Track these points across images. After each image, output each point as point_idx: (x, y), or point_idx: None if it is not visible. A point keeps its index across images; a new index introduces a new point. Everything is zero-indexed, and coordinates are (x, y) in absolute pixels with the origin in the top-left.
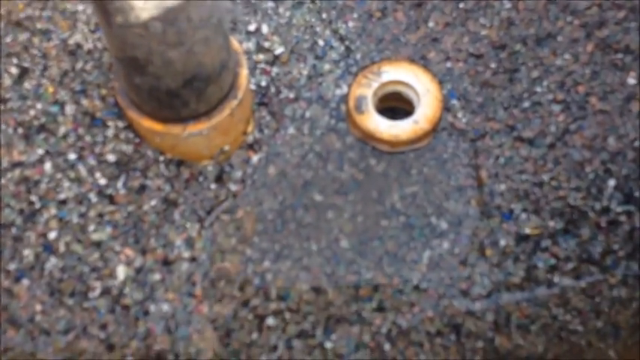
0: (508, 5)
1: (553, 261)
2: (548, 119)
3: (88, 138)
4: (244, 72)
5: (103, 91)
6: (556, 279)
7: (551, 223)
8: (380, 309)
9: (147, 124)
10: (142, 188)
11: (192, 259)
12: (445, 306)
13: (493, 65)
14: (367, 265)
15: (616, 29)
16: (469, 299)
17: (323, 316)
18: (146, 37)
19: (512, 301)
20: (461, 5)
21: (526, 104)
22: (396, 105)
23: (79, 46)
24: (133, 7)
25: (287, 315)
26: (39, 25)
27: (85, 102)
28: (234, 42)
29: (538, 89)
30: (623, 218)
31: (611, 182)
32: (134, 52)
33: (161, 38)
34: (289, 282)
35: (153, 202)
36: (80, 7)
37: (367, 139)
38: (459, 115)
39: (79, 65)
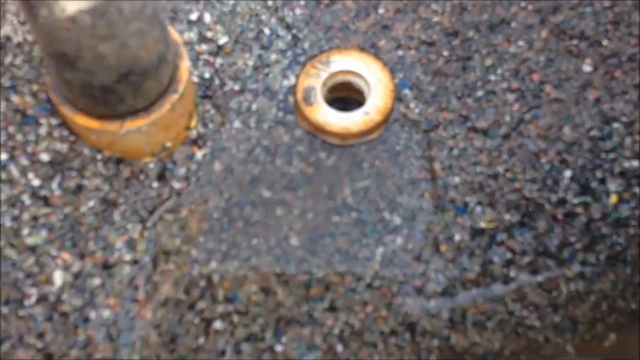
0: None
1: (509, 255)
2: (502, 109)
3: (19, 137)
4: (185, 64)
5: (35, 87)
6: (512, 273)
7: (507, 217)
8: (332, 309)
9: (81, 121)
10: (79, 188)
11: (134, 262)
12: (399, 304)
13: (446, 53)
14: (318, 264)
15: (571, 14)
16: (423, 297)
17: (273, 318)
18: (74, 31)
19: (467, 297)
20: None
21: (480, 93)
22: (346, 95)
23: (7, 38)
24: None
25: (235, 318)
26: None
27: (15, 98)
28: (174, 33)
29: (492, 77)
30: (579, 210)
31: (567, 173)
32: (63, 47)
33: (91, 32)
34: (237, 283)
35: (91, 203)
36: None
37: (317, 131)
38: (412, 105)
39: (8, 59)
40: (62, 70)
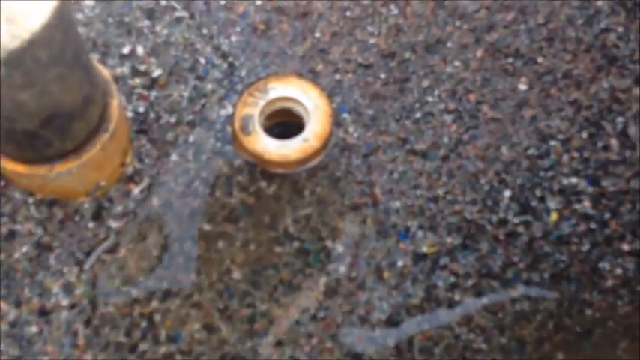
0: (395, 11)
1: (452, 278)
2: (440, 130)
3: None
4: (115, 102)
5: None
6: (457, 297)
7: (449, 240)
8: (277, 343)
9: (9, 166)
10: (12, 234)
11: (72, 306)
12: (344, 334)
13: (383, 75)
14: (261, 297)
15: (505, 33)
16: (369, 326)
17: (217, 356)
18: None
19: (413, 324)
20: (347, 14)
21: (418, 115)
22: (286, 119)
23: None
24: None
25: (178, 357)
26: None
27: None
28: (104, 70)
29: (429, 99)
30: (520, 229)
31: (507, 193)
32: None
33: (8, 81)
34: (179, 321)
35: (24, 249)
36: None
37: (256, 161)
38: (351, 129)
39: None
40: None
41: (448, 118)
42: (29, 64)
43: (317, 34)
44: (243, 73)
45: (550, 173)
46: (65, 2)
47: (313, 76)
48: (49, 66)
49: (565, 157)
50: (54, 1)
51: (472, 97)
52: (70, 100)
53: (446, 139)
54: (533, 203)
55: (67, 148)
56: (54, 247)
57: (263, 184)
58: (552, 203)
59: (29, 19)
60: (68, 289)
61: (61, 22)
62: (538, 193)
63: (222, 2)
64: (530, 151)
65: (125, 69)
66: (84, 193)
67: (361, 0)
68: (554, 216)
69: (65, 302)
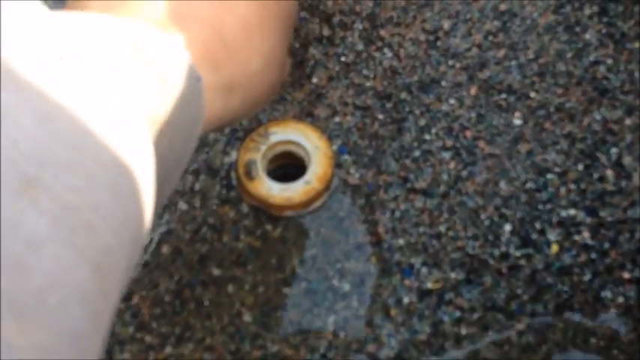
0: (389, 54)
1: (458, 313)
2: (439, 167)
3: None
4: None
5: None
6: (463, 331)
7: (453, 275)
8: None
9: None
10: None
11: None
12: None
13: (380, 116)
14: (272, 338)
15: (497, 69)
16: None
17: None
18: None
19: (420, 359)
20: (342, 59)
21: (416, 153)
22: (288, 162)
23: None
24: None
25: None
26: None
27: None
28: None
29: (427, 137)
30: (522, 262)
31: (507, 227)
32: None
33: None
34: None
35: None
36: None
37: (261, 205)
38: (352, 170)
39: None
40: None
41: (446, 155)
42: None
43: (314, 80)
44: (244, 120)
45: (549, 206)
46: None
47: (312, 120)
48: None
49: (562, 190)
50: None
51: (468, 133)
52: None
53: (445, 176)
54: (534, 236)
55: None
56: None
57: (269, 227)
58: (552, 235)
59: None
60: None
61: None
62: (538, 225)
63: None
64: (528, 185)
65: None
66: None
67: (355, 46)
68: (554, 248)
69: None
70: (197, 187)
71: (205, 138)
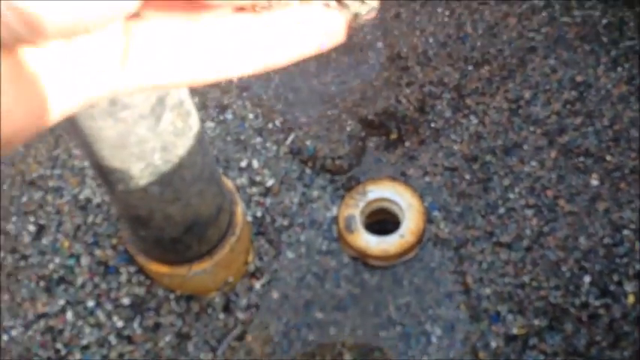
0: (475, 121)
1: (542, 357)
2: (522, 223)
3: (103, 285)
4: (239, 209)
5: (114, 241)
6: None
7: (536, 322)
8: None
9: (155, 267)
10: (157, 326)
11: None
12: None
13: (468, 176)
14: None
15: (575, 134)
16: None
17: None
18: (146, 199)
19: None
20: (432, 125)
21: (501, 210)
22: (383, 217)
23: (88, 200)
24: (132, 177)
25: None
26: (51, 183)
27: (98, 252)
28: (228, 182)
29: (511, 196)
30: (601, 311)
31: (587, 279)
32: (137, 211)
33: (159, 198)
34: None
35: (167, 338)
36: (87, 163)
37: (359, 256)
38: (442, 225)
39: (90, 219)
40: (137, 228)
41: (529, 212)
42: (177, 183)
43: (407, 143)
44: (344, 179)
45: (625, 259)
46: (202, 131)
47: (405, 179)
48: (192, 183)
49: (638, 245)
50: (195, 131)
51: (549, 193)
52: (206, 210)
53: (528, 232)
54: (612, 287)
55: (202, 251)
56: (192, 336)
57: (367, 276)
58: (629, 287)
59: (178, 148)
60: None
61: (201, 147)
62: (615, 277)
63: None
64: (606, 240)
65: (244, 180)
66: (215, 288)
67: (444, 113)
68: (631, 298)
69: None
70: (302, 238)
71: (309, 194)
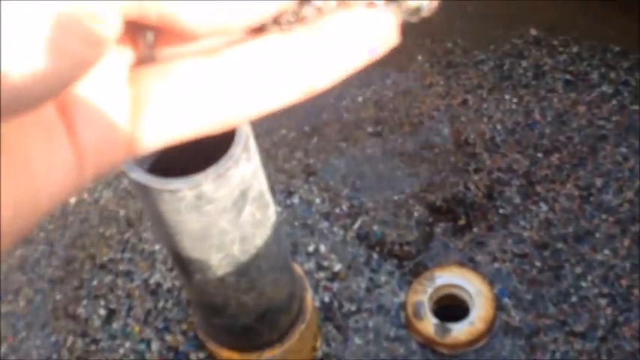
0: (545, 208)
1: None
2: (596, 313)
3: None
4: (309, 295)
5: (184, 326)
6: None
7: None
8: None
9: (226, 354)
10: None
11: None
12: None
13: (538, 264)
14: None
15: None
16: None
17: None
18: (221, 288)
19: None
20: (501, 211)
21: (574, 299)
22: (451, 303)
23: (158, 285)
24: (211, 267)
25: None
26: (121, 267)
27: (168, 337)
28: (297, 267)
29: (583, 284)
30: None
31: None
32: (212, 300)
33: (235, 287)
34: None
35: None
36: (157, 247)
37: (428, 343)
38: (512, 313)
39: (161, 304)
40: (210, 315)
41: (602, 301)
42: (253, 273)
43: (475, 230)
44: (411, 265)
45: None
46: (278, 221)
47: (474, 266)
48: (267, 272)
49: None
50: (273, 222)
51: (623, 282)
52: (279, 298)
53: (602, 321)
54: None
55: (273, 338)
56: None
57: None
58: None
59: (256, 238)
60: None
61: (277, 237)
62: None
63: None
64: None
65: (311, 264)
66: None
67: (513, 199)
68: None
69: None
70: (370, 324)
71: (377, 280)
